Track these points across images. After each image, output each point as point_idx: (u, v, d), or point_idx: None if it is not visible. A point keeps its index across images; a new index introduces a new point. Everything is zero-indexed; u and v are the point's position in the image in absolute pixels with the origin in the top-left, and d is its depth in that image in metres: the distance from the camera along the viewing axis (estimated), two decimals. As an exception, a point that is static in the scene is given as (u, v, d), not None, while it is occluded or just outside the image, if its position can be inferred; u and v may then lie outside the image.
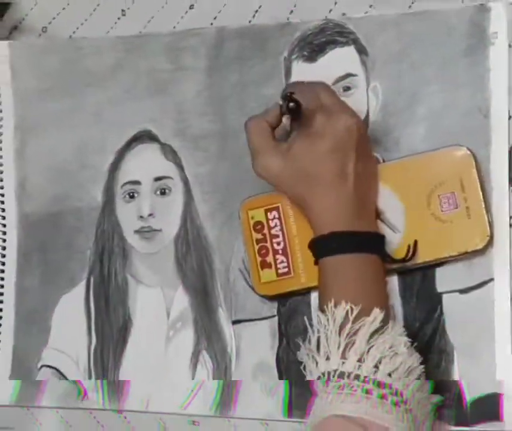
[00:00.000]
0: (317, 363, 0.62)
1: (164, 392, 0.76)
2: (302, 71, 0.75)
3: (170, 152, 0.78)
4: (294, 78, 0.76)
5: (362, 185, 0.67)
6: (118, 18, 0.81)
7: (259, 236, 0.73)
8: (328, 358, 0.62)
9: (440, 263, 0.69)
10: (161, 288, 0.77)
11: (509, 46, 0.70)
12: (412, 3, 0.73)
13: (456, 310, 0.69)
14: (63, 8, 0.83)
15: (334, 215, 0.65)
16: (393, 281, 0.71)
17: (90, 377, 0.78)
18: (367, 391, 0.59)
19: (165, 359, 0.76)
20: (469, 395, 0.68)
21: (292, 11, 0.77)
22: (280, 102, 0.69)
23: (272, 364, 0.73)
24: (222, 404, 0.74)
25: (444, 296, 0.70)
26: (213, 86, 0.78)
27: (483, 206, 0.68)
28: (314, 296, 0.73)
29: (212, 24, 0.78)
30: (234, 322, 0.75)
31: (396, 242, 0.69)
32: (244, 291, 0.75)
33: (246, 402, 0.74)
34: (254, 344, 0.74)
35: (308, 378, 0.64)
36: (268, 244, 0.73)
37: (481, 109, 0.70)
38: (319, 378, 0.62)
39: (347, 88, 0.74)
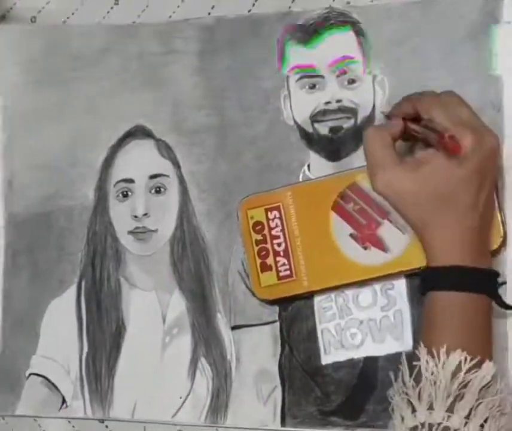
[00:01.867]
0: (414, 410, 0.59)
1: (152, 400, 0.74)
2: (298, 54, 0.74)
3: (165, 149, 0.77)
4: (290, 60, 0.74)
5: (488, 215, 0.64)
6: (111, 8, 0.80)
7: (259, 237, 0.71)
8: (430, 408, 0.58)
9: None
10: (156, 292, 0.76)
11: None
12: None
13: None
14: (53, -4, 0.82)
15: (455, 246, 0.61)
16: (401, 285, 0.69)
17: (81, 386, 0.76)
18: None
19: (161, 367, 0.75)
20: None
21: (293, 0, 0.75)
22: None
23: (274, 372, 0.72)
24: (213, 412, 0.73)
25: (455, 300, 0.68)
26: (208, 73, 0.76)
27: (496, 204, 0.66)
28: (317, 300, 0.72)
29: (209, 13, 0.77)
30: (234, 327, 0.74)
31: (404, 244, 0.68)
32: (244, 295, 0.73)
33: (237, 410, 0.73)
34: (255, 351, 0.73)
35: (397, 425, 0.60)
36: (269, 245, 0.71)
37: (493, 102, 0.69)
38: (415, 428, 0.58)
39: (352, 81, 0.72)
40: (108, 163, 0.78)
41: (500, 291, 0.66)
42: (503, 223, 0.67)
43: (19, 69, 0.81)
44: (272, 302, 0.72)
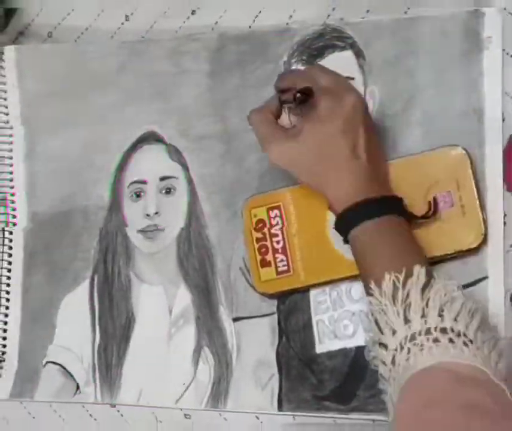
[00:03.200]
0: (386, 346, 0.61)
1: (157, 387, 0.76)
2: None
3: (175, 153, 0.79)
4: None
5: (374, 158, 0.67)
6: (122, 24, 0.82)
7: (260, 235, 0.73)
8: (394, 333, 0.60)
9: (435, 261, 0.69)
10: (164, 287, 0.78)
11: (503, 50, 0.71)
12: (408, 8, 0.74)
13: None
14: (68, 13, 0.84)
15: (351, 189, 0.65)
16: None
17: (94, 373, 0.78)
18: (435, 340, 0.58)
19: (167, 355, 0.77)
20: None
21: (291, 16, 0.77)
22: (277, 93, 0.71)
23: (272, 360, 0.74)
24: (214, 398, 0.75)
25: (439, 294, 0.70)
26: (214, 89, 0.78)
27: (478, 204, 0.69)
28: (313, 294, 0.73)
29: (213, 29, 0.79)
30: (235, 319, 0.76)
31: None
32: (245, 289, 0.75)
33: (238, 396, 0.74)
34: (254, 341, 0.75)
35: (382, 370, 0.62)
36: (268, 243, 0.73)
37: (475, 111, 0.71)
38: (393, 359, 0.60)
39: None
40: (122, 166, 0.80)
41: (482, 286, 0.69)
42: (485, 222, 0.69)
43: (38, 82, 0.83)
44: (271, 296, 0.74)
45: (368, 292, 0.63)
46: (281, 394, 0.73)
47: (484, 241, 0.69)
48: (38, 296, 0.81)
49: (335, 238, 0.71)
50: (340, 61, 0.75)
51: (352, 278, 0.72)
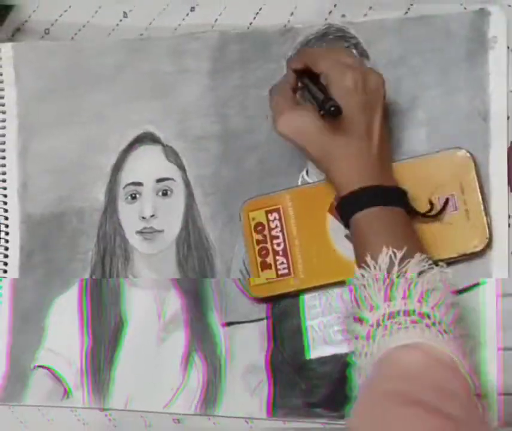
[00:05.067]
0: (362, 320, 0.61)
1: (147, 391, 0.76)
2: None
3: (172, 154, 0.78)
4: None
5: (384, 142, 0.67)
6: (120, 20, 0.82)
7: (260, 237, 0.73)
8: (373, 308, 0.61)
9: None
10: (154, 290, 0.77)
11: (508, 48, 0.71)
12: (411, 5, 0.74)
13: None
14: (65, 10, 0.83)
15: (361, 171, 0.65)
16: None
17: (83, 377, 0.78)
18: (413, 321, 0.59)
19: (157, 360, 0.76)
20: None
21: (292, 13, 0.77)
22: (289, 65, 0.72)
23: (261, 366, 0.73)
24: (204, 403, 0.74)
25: (443, 298, 0.69)
26: (215, 88, 0.78)
27: (482, 208, 0.69)
28: (306, 298, 0.73)
29: (212, 27, 0.79)
30: (226, 324, 0.75)
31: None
32: (237, 293, 0.75)
33: (229, 401, 0.74)
34: (245, 346, 0.74)
35: (355, 344, 0.62)
36: (269, 245, 0.73)
37: (480, 112, 0.71)
38: (368, 334, 0.60)
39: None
40: (118, 166, 0.79)
41: (488, 286, 0.69)
42: (489, 226, 0.69)
43: (35, 80, 0.82)
44: (269, 299, 0.73)
45: (360, 266, 0.63)
46: (271, 400, 0.73)
47: (489, 245, 0.69)
48: (30, 298, 0.80)
49: (337, 241, 0.72)
50: None
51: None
